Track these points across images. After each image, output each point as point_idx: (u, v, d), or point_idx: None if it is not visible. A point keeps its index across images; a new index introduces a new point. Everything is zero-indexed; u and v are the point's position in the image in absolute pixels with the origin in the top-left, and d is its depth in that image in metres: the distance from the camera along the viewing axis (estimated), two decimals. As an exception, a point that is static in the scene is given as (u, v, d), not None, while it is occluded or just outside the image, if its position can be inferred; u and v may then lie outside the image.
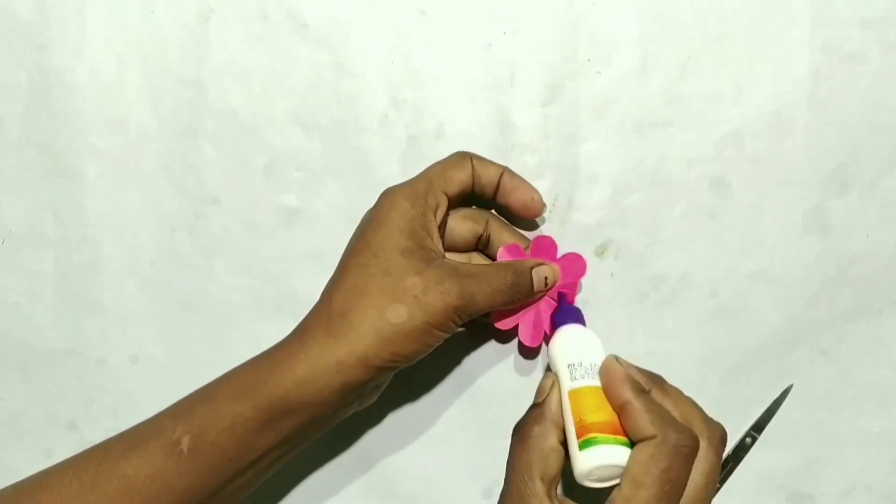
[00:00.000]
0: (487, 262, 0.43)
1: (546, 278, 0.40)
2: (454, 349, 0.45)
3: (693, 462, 0.35)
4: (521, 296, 0.40)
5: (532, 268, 0.40)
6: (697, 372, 0.45)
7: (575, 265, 0.42)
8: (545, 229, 0.45)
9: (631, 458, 0.35)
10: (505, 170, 0.41)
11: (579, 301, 0.44)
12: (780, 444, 0.45)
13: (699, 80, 0.44)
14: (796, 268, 0.45)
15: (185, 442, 0.36)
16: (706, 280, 0.45)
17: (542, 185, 0.44)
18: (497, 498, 0.44)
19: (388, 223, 0.38)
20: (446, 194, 0.40)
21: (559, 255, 0.42)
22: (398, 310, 0.36)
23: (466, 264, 0.39)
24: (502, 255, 0.41)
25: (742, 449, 0.45)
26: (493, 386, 0.45)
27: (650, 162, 0.45)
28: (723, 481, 0.45)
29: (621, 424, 0.36)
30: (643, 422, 0.35)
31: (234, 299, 0.45)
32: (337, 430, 0.44)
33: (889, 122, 0.45)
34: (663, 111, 0.44)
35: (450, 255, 0.42)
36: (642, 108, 0.44)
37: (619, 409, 0.36)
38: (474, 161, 0.41)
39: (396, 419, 0.45)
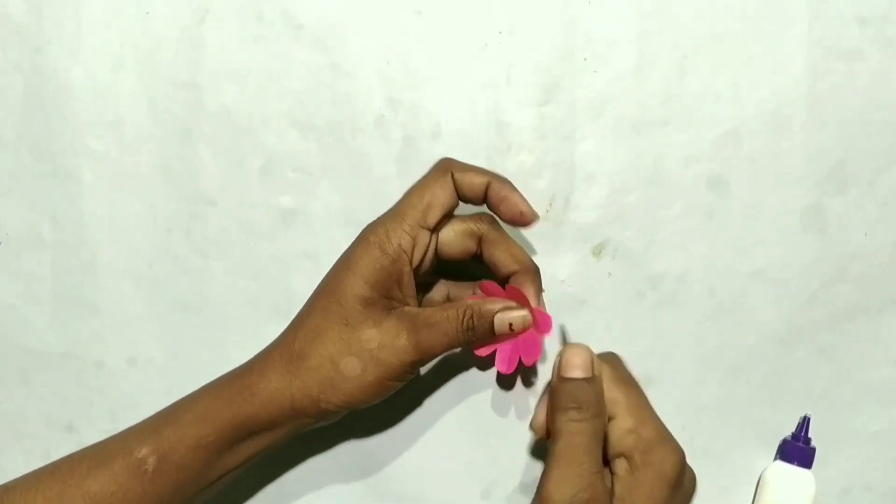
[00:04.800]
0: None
1: (511, 325, 0.38)
2: (454, 350, 0.44)
3: None
4: (479, 338, 0.39)
5: (497, 312, 0.38)
6: (696, 372, 0.45)
7: (541, 321, 0.39)
8: (539, 230, 0.44)
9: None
10: (491, 180, 0.39)
11: (575, 302, 0.44)
12: (778, 443, 0.45)
13: (696, 79, 0.44)
14: (795, 267, 0.45)
15: (151, 462, 0.37)
16: (704, 279, 0.45)
17: (539, 185, 0.44)
18: (495, 499, 0.45)
19: (355, 270, 0.38)
20: (427, 228, 0.38)
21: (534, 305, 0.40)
22: (351, 363, 0.38)
23: (425, 311, 0.38)
24: (479, 294, 0.41)
25: None
26: (491, 387, 0.45)
27: (647, 161, 0.44)
28: None
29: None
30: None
31: (231, 300, 0.45)
32: (336, 430, 0.44)
33: (887, 120, 0.45)
34: (660, 110, 0.44)
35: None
36: (639, 108, 0.44)
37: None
38: (456, 175, 0.39)
39: (395, 419, 0.45)
